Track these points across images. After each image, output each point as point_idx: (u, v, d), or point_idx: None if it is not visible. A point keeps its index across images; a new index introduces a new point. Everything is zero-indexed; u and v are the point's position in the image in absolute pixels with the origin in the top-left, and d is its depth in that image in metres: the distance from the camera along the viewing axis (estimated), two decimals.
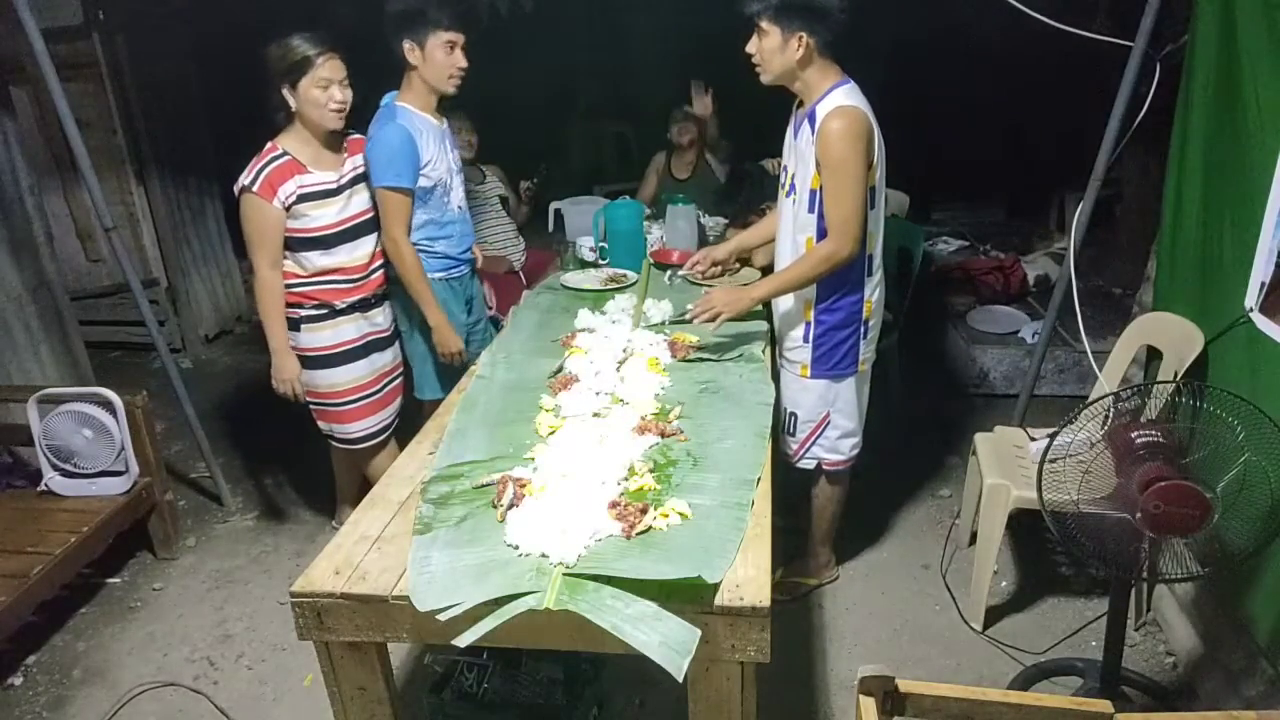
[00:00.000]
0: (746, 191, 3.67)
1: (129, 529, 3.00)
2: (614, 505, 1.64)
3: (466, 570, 1.51)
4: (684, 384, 2.23)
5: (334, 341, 2.67)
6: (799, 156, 2.34)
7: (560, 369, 2.31)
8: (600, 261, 3.32)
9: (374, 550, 1.62)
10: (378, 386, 2.81)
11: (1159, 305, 2.69)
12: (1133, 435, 1.83)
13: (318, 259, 2.59)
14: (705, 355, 2.41)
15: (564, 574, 1.48)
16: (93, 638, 2.78)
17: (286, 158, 2.50)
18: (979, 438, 2.84)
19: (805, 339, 2.46)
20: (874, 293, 2.44)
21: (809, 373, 2.49)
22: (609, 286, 3.04)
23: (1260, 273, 2.05)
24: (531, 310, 2.88)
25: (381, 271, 2.76)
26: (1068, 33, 2.65)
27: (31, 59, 2.75)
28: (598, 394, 2.13)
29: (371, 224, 2.69)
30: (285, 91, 2.46)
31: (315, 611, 1.51)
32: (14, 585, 2.50)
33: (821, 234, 2.31)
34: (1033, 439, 2.58)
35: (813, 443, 2.58)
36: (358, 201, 2.64)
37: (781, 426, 2.60)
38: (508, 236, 4.04)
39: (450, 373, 2.94)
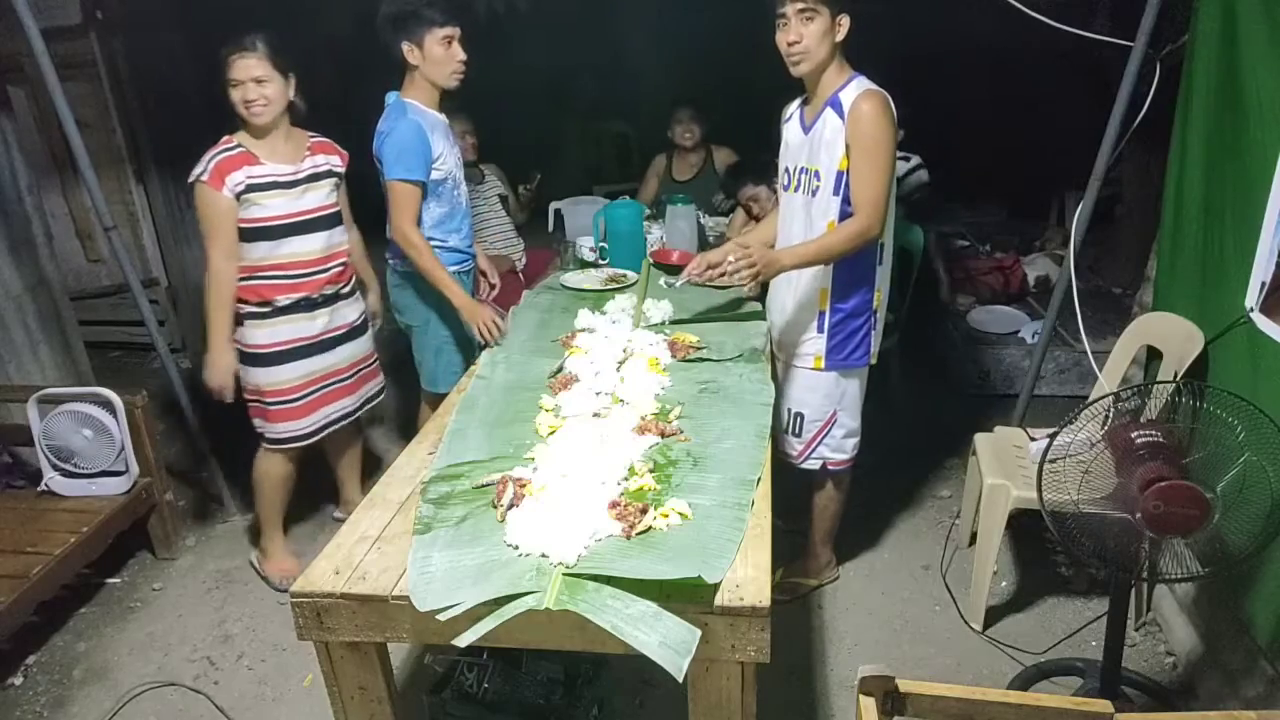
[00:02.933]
0: (749, 176, 3.64)
1: (129, 529, 3.01)
2: (614, 505, 1.64)
3: (466, 570, 1.51)
4: (684, 384, 2.23)
5: (270, 340, 2.68)
6: (821, 146, 2.32)
7: (560, 369, 2.31)
8: (600, 261, 3.32)
9: (374, 550, 1.62)
10: (313, 388, 2.79)
11: (1159, 305, 2.69)
12: (1133, 435, 1.83)
13: (264, 250, 2.61)
14: (705, 355, 2.41)
15: (564, 574, 1.48)
16: (93, 638, 2.78)
17: (239, 149, 2.55)
18: (979, 438, 2.84)
19: (820, 329, 2.46)
20: (883, 282, 2.46)
21: (823, 364, 2.48)
22: (609, 286, 3.04)
23: (1260, 273, 2.05)
24: (531, 310, 2.88)
25: (339, 270, 2.77)
26: (1068, 33, 2.65)
27: (30, 59, 2.75)
28: (598, 394, 2.13)
29: (327, 220, 2.72)
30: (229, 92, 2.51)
31: (315, 611, 1.51)
32: (14, 585, 2.50)
33: (845, 216, 2.31)
34: (1033, 439, 2.58)
35: (819, 442, 2.58)
36: (314, 197, 2.68)
37: (784, 428, 2.59)
38: (508, 236, 4.04)
39: (465, 366, 2.95)
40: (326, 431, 2.88)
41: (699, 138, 4.13)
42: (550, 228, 4.29)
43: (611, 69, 6.49)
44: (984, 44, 5.06)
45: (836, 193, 2.32)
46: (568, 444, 1.86)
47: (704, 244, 3.47)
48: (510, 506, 1.65)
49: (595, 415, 2.03)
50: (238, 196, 2.53)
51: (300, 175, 2.64)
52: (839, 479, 2.69)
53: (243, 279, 2.61)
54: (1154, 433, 1.82)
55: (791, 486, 2.65)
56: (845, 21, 2.23)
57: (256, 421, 2.81)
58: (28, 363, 3.42)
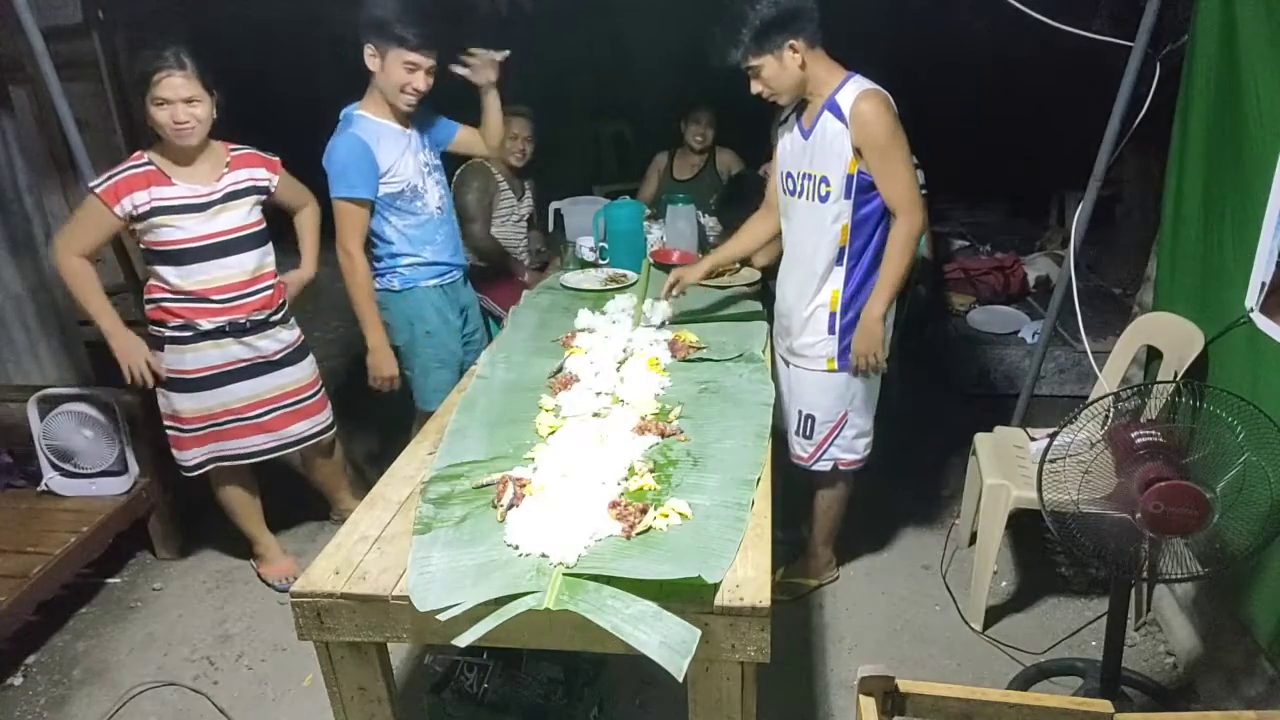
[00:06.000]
0: (744, 194, 3.65)
1: (129, 529, 3.00)
2: (614, 505, 1.64)
3: (466, 570, 1.51)
4: (684, 384, 2.23)
5: (196, 366, 2.57)
6: (821, 151, 2.31)
7: (560, 369, 2.31)
8: (600, 261, 3.32)
9: (374, 550, 1.62)
10: (233, 417, 2.68)
11: (1159, 305, 2.69)
12: (1133, 435, 1.83)
13: (180, 275, 2.49)
14: (705, 355, 2.41)
15: (564, 574, 1.48)
16: (93, 638, 2.78)
17: (148, 167, 2.43)
18: (979, 438, 2.84)
19: (831, 330, 2.43)
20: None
21: (836, 365, 2.46)
22: (609, 286, 3.04)
23: (1260, 273, 2.06)
24: (531, 310, 2.88)
25: (269, 293, 2.64)
26: (1068, 33, 2.65)
27: (31, 59, 2.74)
28: (598, 394, 2.13)
29: (252, 240, 2.58)
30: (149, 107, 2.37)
31: (315, 611, 1.51)
32: (14, 585, 2.50)
33: (859, 219, 2.32)
34: (1033, 439, 2.58)
35: (830, 443, 2.58)
36: (231, 217, 2.53)
37: (794, 430, 2.59)
38: (520, 255, 4.01)
39: (454, 385, 2.93)
40: (255, 460, 2.78)
41: (710, 142, 4.13)
42: (550, 228, 4.29)
43: (612, 68, 6.49)
44: (984, 43, 5.07)
45: (848, 196, 2.31)
46: (568, 444, 1.86)
47: (704, 244, 3.47)
48: (510, 506, 1.65)
49: (595, 415, 2.04)
50: (136, 218, 2.41)
51: (215, 195, 2.49)
52: (848, 479, 2.69)
53: (165, 301, 2.52)
54: (1154, 433, 1.83)
55: (791, 497, 2.65)
56: (798, 45, 2.20)
57: (174, 451, 2.71)
58: (28, 363, 3.42)
